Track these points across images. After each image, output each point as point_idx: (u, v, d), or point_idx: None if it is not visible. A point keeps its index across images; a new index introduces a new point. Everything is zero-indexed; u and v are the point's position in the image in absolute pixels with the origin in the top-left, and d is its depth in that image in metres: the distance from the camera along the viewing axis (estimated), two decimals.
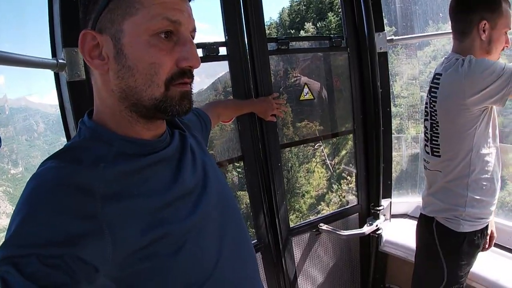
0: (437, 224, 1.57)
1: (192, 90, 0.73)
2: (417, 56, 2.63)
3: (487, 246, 1.65)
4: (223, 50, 1.67)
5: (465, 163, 1.48)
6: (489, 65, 1.34)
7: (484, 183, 1.50)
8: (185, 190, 0.76)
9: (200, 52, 1.60)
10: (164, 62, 0.66)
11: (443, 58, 1.54)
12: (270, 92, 1.79)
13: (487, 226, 1.58)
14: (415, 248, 1.79)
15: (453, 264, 1.55)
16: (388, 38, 2.06)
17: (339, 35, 2.04)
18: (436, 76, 1.52)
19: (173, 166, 0.77)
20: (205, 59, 1.63)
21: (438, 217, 1.57)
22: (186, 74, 0.69)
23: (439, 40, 2.86)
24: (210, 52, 1.63)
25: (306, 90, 1.96)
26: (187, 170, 0.79)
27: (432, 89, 1.53)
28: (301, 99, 1.97)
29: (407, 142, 2.63)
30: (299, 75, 2.02)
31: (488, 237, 1.64)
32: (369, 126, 2.12)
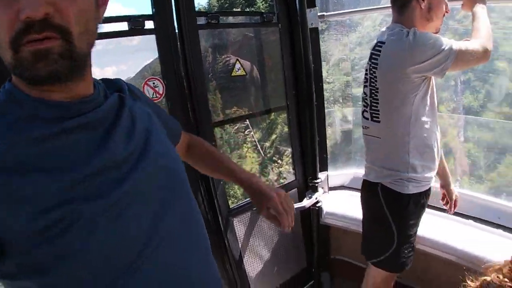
0: (382, 188, 1.65)
1: (62, 48, 0.57)
2: (348, 36, 2.76)
3: (452, 209, 1.84)
4: (149, 24, 1.59)
5: (405, 129, 1.56)
6: (432, 39, 1.44)
7: (424, 150, 1.60)
8: (113, 161, 0.67)
9: (125, 26, 1.51)
10: (1, 19, 0.55)
11: (385, 28, 1.61)
12: (200, 69, 1.75)
13: (430, 188, 1.69)
14: (357, 217, 1.91)
15: (402, 225, 1.64)
16: (319, 14, 2.10)
17: (271, 11, 2.06)
18: (378, 44, 1.58)
19: (101, 132, 0.68)
20: (130, 33, 1.55)
21: (383, 181, 1.65)
22: (32, 28, 0.54)
23: (365, 27, 3.01)
24: (136, 26, 1.55)
25: (238, 65, 1.95)
26: (120, 137, 0.70)
27: (373, 56, 1.59)
28: (233, 75, 1.95)
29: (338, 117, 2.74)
30: (230, 51, 2.01)
31: (453, 202, 1.83)
32: (302, 101, 2.17)
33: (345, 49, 2.80)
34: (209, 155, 1.17)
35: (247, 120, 2.12)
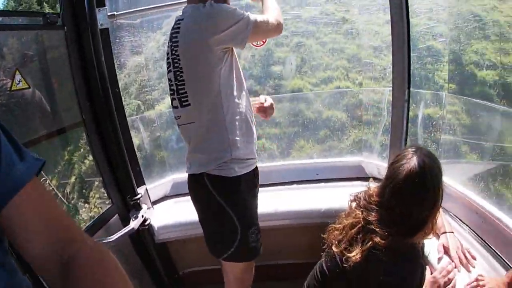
0: (209, 177, 1.69)
1: None
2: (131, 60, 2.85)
3: None
4: None
5: (217, 106, 1.64)
6: (230, 8, 1.60)
7: (241, 124, 1.70)
8: None
9: None
10: None
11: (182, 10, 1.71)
12: None
13: (257, 167, 1.83)
14: (191, 221, 2.01)
15: (240, 210, 1.72)
16: (109, 13, 2.08)
17: (55, 12, 1.93)
18: (177, 22, 1.65)
19: None
20: None
21: (208, 170, 1.68)
22: None
23: (150, 49, 3.14)
24: None
25: (18, 77, 1.72)
26: None
27: (173, 35, 1.64)
28: (13, 89, 1.72)
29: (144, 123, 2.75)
30: (9, 60, 1.77)
31: None
32: (100, 113, 2.08)
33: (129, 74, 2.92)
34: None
35: (39, 131, 1.85)
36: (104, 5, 2.08)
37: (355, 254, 1.47)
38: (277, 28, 1.75)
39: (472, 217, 1.85)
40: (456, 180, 2.01)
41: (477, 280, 1.49)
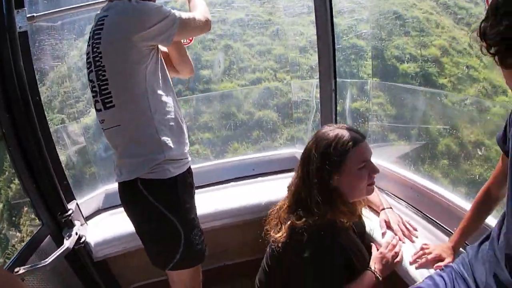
0: (143, 182, 1.66)
1: None
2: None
3: None
4: None
5: (144, 106, 1.63)
6: (155, 5, 1.62)
7: (171, 123, 1.70)
8: None
9: None
10: None
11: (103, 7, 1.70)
12: None
13: (190, 166, 1.83)
14: (129, 233, 2.00)
15: (179, 212, 1.71)
16: (28, 15, 2.01)
17: None
18: (101, 18, 1.63)
19: None
20: None
21: (141, 174, 1.65)
22: None
23: (72, 58, 3.09)
24: None
25: None
26: None
27: (96, 32, 1.62)
28: None
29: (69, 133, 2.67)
30: None
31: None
32: (20, 124, 1.98)
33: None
34: None
35: None
36: (23, 7, 2.01)
37: (281, 235, 1.55)
38: (205, 25, 1.80)
39: (408, 192, 2.03)
40: (388, 161, 2.20)
41: (422, 248, 1.61)
